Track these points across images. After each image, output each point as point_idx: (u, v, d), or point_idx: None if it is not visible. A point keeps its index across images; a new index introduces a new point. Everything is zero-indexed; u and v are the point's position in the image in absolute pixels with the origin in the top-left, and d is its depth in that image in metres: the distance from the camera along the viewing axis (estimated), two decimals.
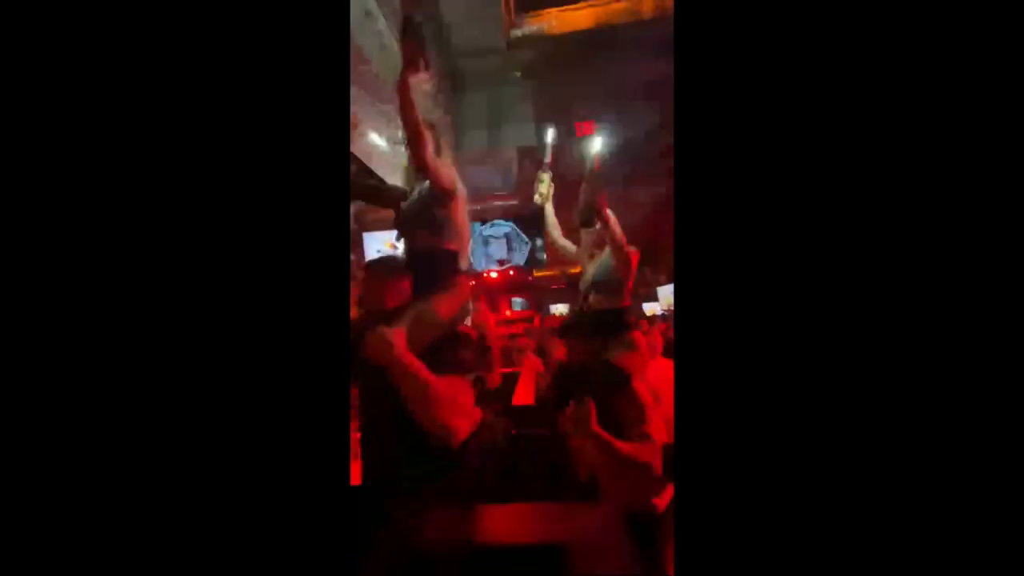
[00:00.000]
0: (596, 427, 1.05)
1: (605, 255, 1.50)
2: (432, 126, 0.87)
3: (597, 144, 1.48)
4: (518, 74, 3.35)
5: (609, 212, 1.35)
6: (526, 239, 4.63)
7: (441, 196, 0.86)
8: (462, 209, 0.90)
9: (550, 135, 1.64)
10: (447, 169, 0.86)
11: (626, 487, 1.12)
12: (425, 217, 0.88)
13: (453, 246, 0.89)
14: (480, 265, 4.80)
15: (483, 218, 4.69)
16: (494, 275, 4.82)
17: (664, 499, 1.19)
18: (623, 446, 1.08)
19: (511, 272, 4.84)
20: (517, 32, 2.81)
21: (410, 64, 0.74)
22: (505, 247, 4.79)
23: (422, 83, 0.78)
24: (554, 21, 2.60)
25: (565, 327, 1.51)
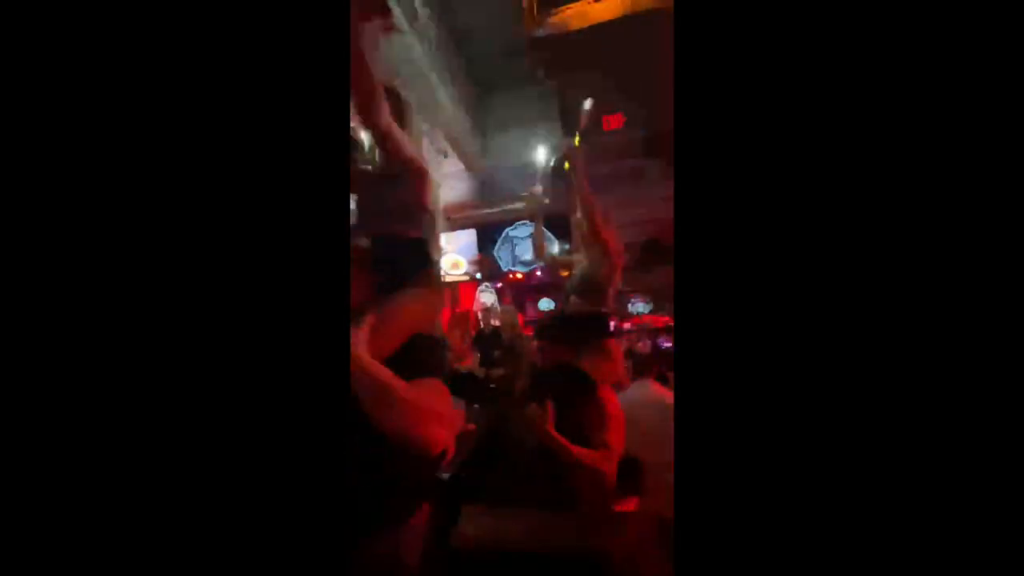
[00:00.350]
0: (551, 430, 1.05)
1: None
2: (396, 92, 0.76)
3: (588, 104, 1.46)
4: (542, 73, 3.33)
5: (591, 191, 1.30)
6: (554, 239, 4.58)
7: (402, 174, 0.74)
8: (429, 191, 0.79)
9: (541, 152, 1.64)
10: (408, 142, 0.73)
11: (587, 492, 1.09)
12: (387, 201, 0.76)
13: (421, 234, 0.78)
14: (506, 266, 4.80)
15: (509, 219, 4.70)
16: (520, 275, 4.80)
17: (626, 507, 1.18)
18: (575, 450, 1.07)
19: (538, 272, 4.80)
20: (540, 32, 2.79)
21: (362, 7, 0.61)
22: (532, 248, 4.76)
23: (377, 32, 0.66)
24: (578, 16, 2.55)
25: (540, 330, 1.50)
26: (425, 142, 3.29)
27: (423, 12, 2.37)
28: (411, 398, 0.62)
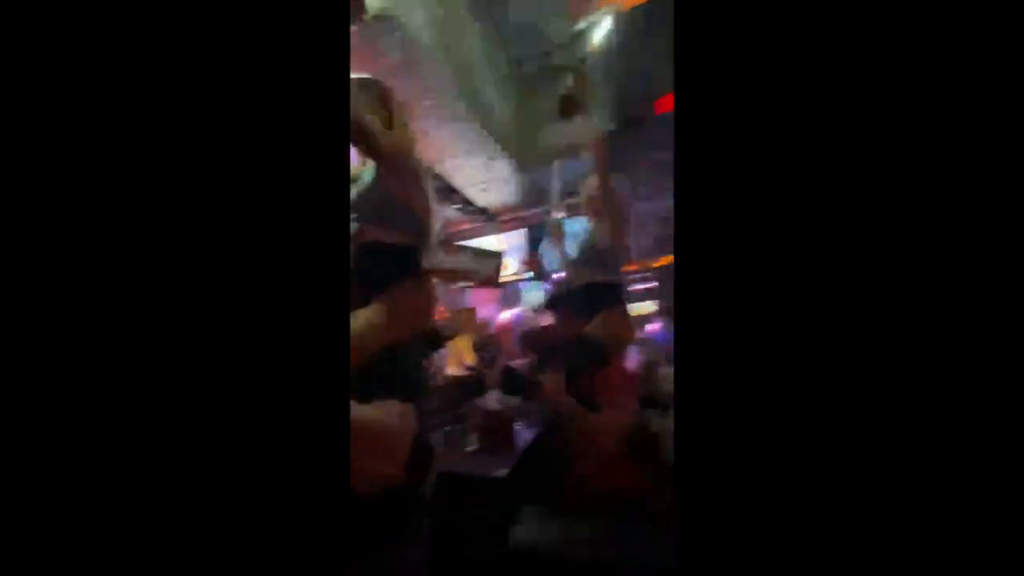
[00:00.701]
0: (563, 395, 1.12)
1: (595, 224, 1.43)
2: (379, 85, 0.71)
3: (602, 31, 1.48)
4: (584, 62, 3.24)
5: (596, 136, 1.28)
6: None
7: (386, 174, 0.69)
8: (420, 191, 0.72)
9: (556, 180, 1.68)
10: (391, 137, 0.68)
11: (595, 466, 1.09)
12: (375, 203, 0.70)
13: (409, 239, 0.72)
14: (550, 264, 4.75)
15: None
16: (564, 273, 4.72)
17: (632, 482, 1.15)
18: (582, 415, 1.11)
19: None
20: (583, 23, 2.71)
21: None
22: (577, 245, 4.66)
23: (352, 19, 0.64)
24: None
25: (552, 300, 1.59)
26: (472, 143, 3.35)
27: (469, 15, 2.42)
28: (372, 426, 0.57)
